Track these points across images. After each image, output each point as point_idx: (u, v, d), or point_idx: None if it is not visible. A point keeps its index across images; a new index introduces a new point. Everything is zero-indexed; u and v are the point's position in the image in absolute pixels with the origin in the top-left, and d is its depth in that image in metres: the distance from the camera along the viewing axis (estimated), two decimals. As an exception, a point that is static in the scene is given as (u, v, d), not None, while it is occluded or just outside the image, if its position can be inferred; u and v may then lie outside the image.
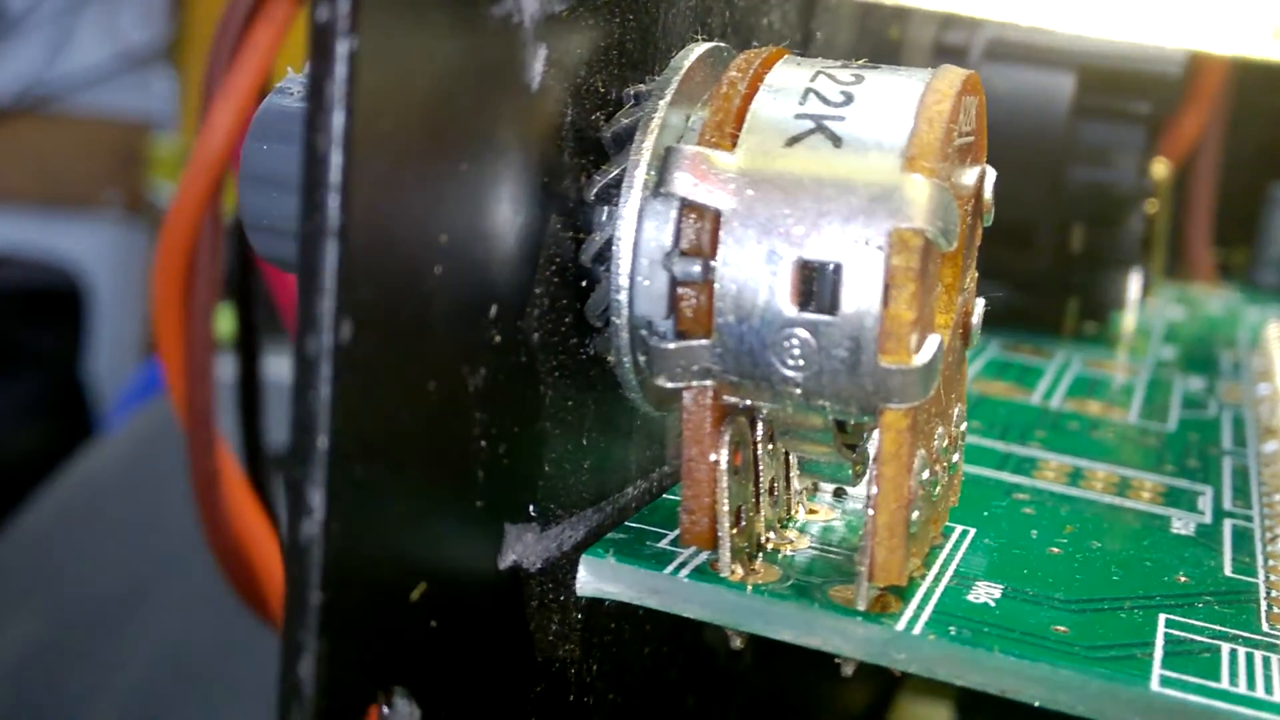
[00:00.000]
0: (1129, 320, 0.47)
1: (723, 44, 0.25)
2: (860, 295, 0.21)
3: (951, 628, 0.22)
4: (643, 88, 0.24)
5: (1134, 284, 0.46)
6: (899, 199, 0.21)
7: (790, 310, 0.21)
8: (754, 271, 0.21)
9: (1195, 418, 0.38)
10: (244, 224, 0.26)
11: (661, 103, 0.23)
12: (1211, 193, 0.58)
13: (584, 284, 0.24)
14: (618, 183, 0.23)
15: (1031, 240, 0.44)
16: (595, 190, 0.23)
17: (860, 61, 0.24)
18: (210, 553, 0.44)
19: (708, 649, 0.33)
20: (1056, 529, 0.27)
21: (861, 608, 0.22)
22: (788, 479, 0.26)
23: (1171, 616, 0.24)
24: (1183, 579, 0.26)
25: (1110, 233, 0.45)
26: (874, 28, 0.38)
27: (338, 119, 0.17)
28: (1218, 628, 0.24)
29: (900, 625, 0.22)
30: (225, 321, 0.47)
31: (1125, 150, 0.44)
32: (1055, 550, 0.26)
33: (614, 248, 0.23)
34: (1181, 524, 0.29)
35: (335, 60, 0.17)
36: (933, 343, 0.22)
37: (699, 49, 0.24)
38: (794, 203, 0.21)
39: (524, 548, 0.23)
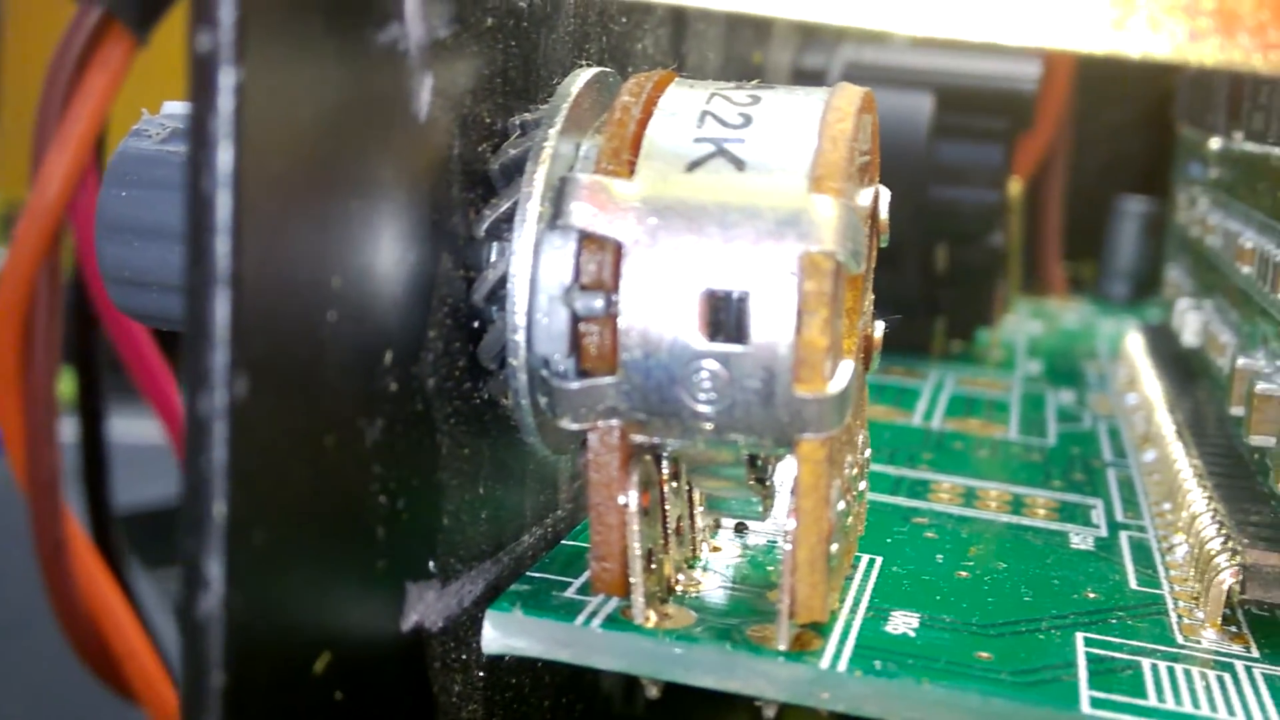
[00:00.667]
0: (994, 337, 0.48)
1: (607, 69, 0.24)
2: (772, 323, 0.20)
3: (876, 662, 0.22)
4: (529, 116, 0.23)
5: (997, 301, 0.47)
6: (808, 222, 0.20)
7: (699, 342, 0.21)
8: (660, 303, 0.21)
9: (1072, 430, 0.38)
10: (103, 277, 0.24)
11: (552, 131, 0.22)
12: (1060, 208, 0.59)
13: (476, 325, 0.23)
14: (508, 217, 0.22)
15: (897, 262, 0.43)
16: (485, 225, 0.22)
17: (753, 82, 0.23)
18: (58, 624, 0.42)
19: (604, 695, 0.32)
20: (961, 552, 0.27)
21: (783, 647, 0.22)
22: (692, 517, 0.25)
23: (1089, 635, 0.24)
24: (1091, 595, 0.25)
25: (973, 250, 0.45)
26: (739, 52, 0.38)
27: (224, 157, 0.16)
28: (1134, 643, 0.23)
29: (824, 663, 0.21)
30: (66, 383, 0.45)
31: (984, 168, 0.44)
32: (963, 574, 0.26)
33: (509, 285, 0.22)
34: (1080, 539, 0.29)
35: (219, 93, 0.16)
36: (846, 369, 0.21)
37: (585, 75, 0.23)
38: (699, 230, 0.21)
39: (425, 606, 0.22)
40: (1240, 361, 0.29)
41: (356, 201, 0.19)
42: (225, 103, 0.16)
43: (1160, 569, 0.27)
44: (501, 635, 0.22)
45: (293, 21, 0.17)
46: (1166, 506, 0.31)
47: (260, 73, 0.16)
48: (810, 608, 0.21)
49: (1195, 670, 0.22)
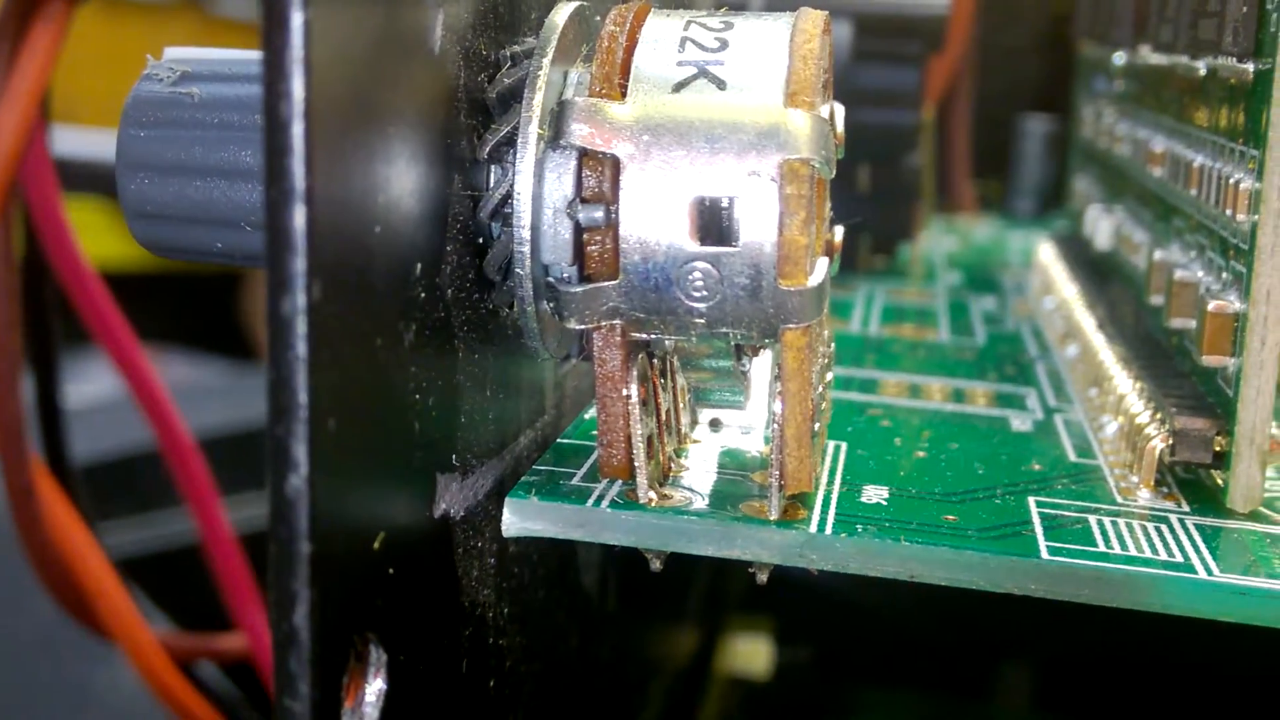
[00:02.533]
0: (915, 252, 0.50)
1: (583, 3, 0.26)
2: (757, 225, 0.23)
3: (858, 526, 0.24)
4: (518, 48, 0.25)
5: (916, 218, 0.49)
6: (785, 133, 0.23)
7: (692, 246, 0.23)
8: (656, 212, 0.23)
9: (998, 332, 0.41)
10: (125, 213, 0.26)
11: (544, 60, 0.24)
12: (968, 128, 0.61)
13: (480, 240, 0.25)
14: (508, 140, 0.24)
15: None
16: (488, 149, 0.24)
17: (721, 10, 0.25)
18: (32, 567, 0.43)
19: (585, 593, 0.34)
20: (915, 436, 0.30)
21: (775, 517, 0.24)
22: (678, 411, 0.27)
23: (1039, 498, 0.26)
24: (1037, 466, 0.28)
25: (893, 170, 0.48)
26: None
27: (297, 86, 0.18)
28: (1080, 503, 0.26)
29: (812, 528, 0.24)
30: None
31: (901, 90, 0.46)
32: (921, 454, 0.29)
33: (514, 201, 0.24)
34: (1020, 422, 0.31)
35: (291, 30, 0.18)
36: (822, 265, 0.23)
37: (567, 8, 0.25)
38: (688, 144, 0.23)
39: (450, 496, 0.24)
40: (1157, 255, 0.32)
41: (392, 128, 0.21)
42: (296, 38, 0.18)
43: (1094, 444, 0.30)
44: (520, 519, 0.25)
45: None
46: (1093, 393, 0.34)
47: (321, 11, 0.18)
48: (798, 479, 0.24)
49: (1136, 523, 0.25)
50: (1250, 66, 0.26)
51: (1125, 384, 0.31)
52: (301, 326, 0.18)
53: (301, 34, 0.18)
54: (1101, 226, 0.42)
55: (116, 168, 0.26)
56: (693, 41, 0.24)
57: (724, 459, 0.27)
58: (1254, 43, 0.26)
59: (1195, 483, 0.28)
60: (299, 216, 0.18)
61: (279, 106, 0.18)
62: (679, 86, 0.23)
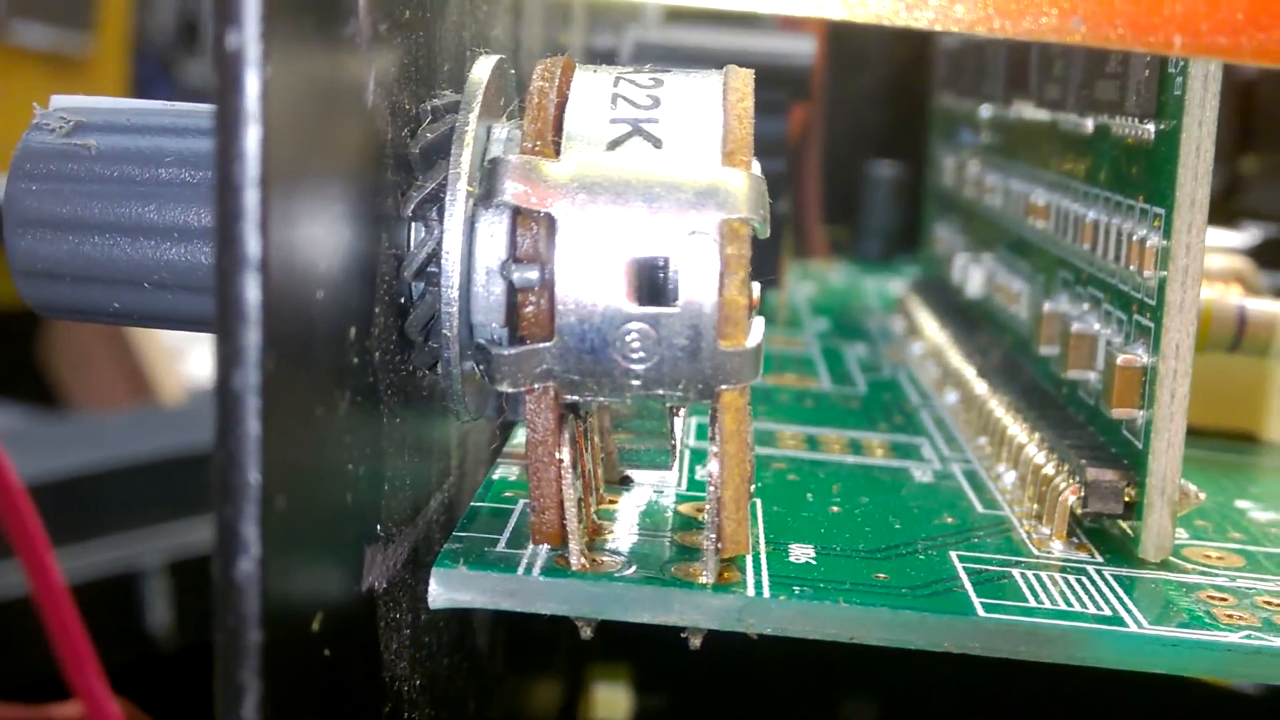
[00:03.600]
0: (780, 299, 0.51)
1: (504, 57, 0.26)
2: (697, 285, 0.22)
3: (795, 588, 0.24)
4: (437, 102, 0.24)
5: (781, 265, 0.50)
6: (724, 193, 0.22)
7: (630, 306, 0.22)
8: (593, 273, 0.22)
9: (876, 379, 0.41)
10: (14, 272, 0.25)
11: (471, 115, 0.24)
12: (819, 174, 0.62)
13: (402, 301, 0.24)
14: (433, 198, 0.23)
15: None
16: (412, 206, 0.23)
17: (647, 66, 0.25)
18: None
19: (479, 655, 0.34)
20: (825, 490, 0.30)
21: (711, 580, 0.24)
22: (598, 472, 0.27)
23: (960, 552, 0.26)
24: (949, 519, 0.28)
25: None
26: (552, 35, 0.39)
27: (252, 149, 0.17)
28: (999, 556, 0.26)
29: (749, 592, 0.24)
30: None
31: (770, 138, 0.47)
32: (835, 509, 0.29)
33: (442, 261, 0.23)
34: (920, 473, 0.32)
35: (245, 91, 0.17)
36: (759, 324, 0.23)
37: (488, 63, 0.25)
38: (625, 203, 0.22)
39: (375, 568, 0.23)
40: (1047, 307, 0.33)
41: (332, 188, 0.20)
42: (252, 100, 0.17)
43: (996, 495, 0.30)
44: (447, 590, 0.24)
45: (296, 19, 0.18)
46: (982, 441, 0.34)
47: (277, 70, 0.17)
48: (736, 542, 0.23)
49: (1057, 575, 0.26)
50: (1151, 127, 0.27)
51: (1021, 434, 0.31)
52: (254, 402, 0.17)
53: (259, 94, 0.17)
54: (972, 274, 0.43)
55: (4, 223, 0.24)
56: (624, 99, 0.24)
57: (643, 519, 0.27)
58: (1155, 104, 0.27)
59: (1101, 532, 0.28)
60: (253, 286, 0.17)
61: (233, 170, 0.17)
62: (614, 144, 0.23)
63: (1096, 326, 0.30)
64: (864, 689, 0.59)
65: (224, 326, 0.17)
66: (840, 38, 0.62)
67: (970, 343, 0.39)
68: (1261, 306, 0.33)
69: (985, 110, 0.43)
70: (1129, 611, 0.24)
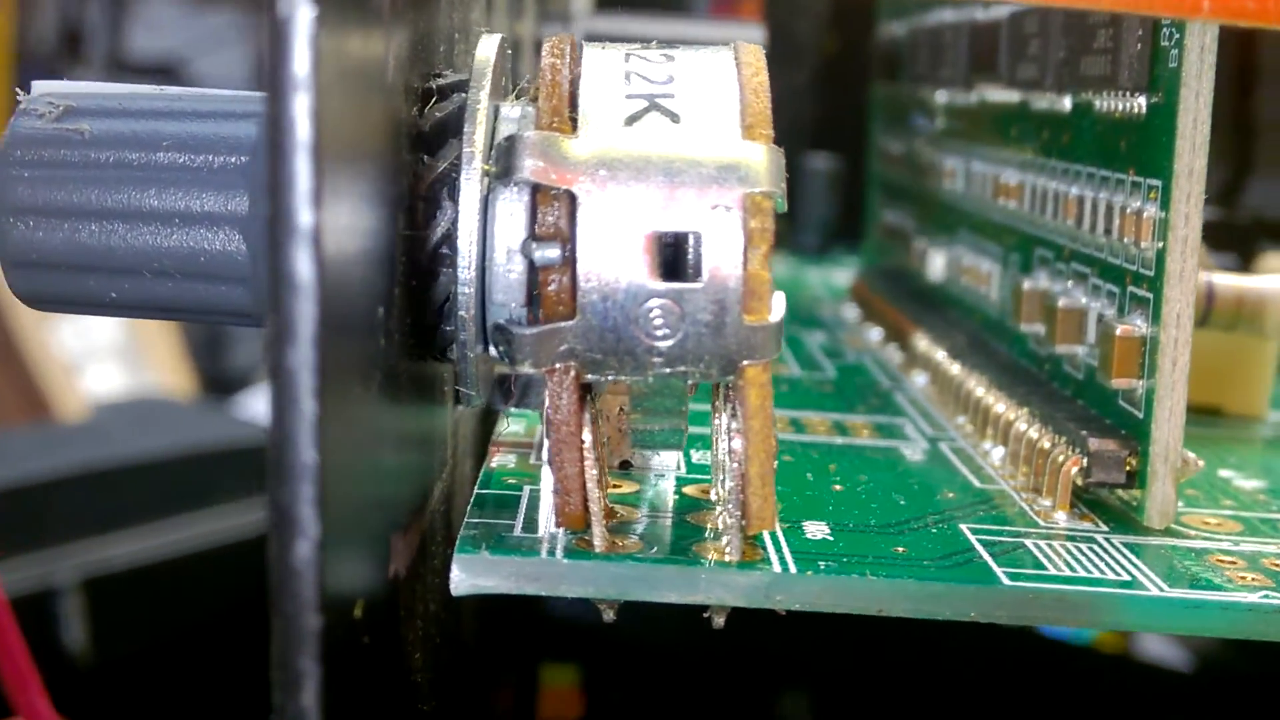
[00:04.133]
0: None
1: (505, 37, 0.25)
2: (721, 260, 0.22)
3: (819, 563, 0.24)
4: (443, 81, 0.24)
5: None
6: (746, 166, 0.22)
7: (654, 282, 0.22)
8: (615, 249, 0.22)
9: (843, 364, 0.41)
10: (5, 262, 0.24)
11: (482, 93, 0.23)
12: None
13: (413, 284, 0.23)
14: (445, 177, 0.23)
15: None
16: (427, 186, 0.23)
17: (653, 43, 0.25)
18: None
19: (464, 646, 0.33)
20: (823, 470, 0.30)
21: (737, 558, 0.24)
22: (604, 456, 0.26)
23: (970, 525, 0.26)
24: (950, 494, 0.28)
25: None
26: (511, 25, 0.39)
27: (305, 118, 0.16)
28: (1008, 528, 0.27)
29: (776, 568, 0.24)
30: None
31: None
32: (839, 488, 0.28)
33: (458, 240, 0.23)
34: (911, 451, 0.32)
35: (296, 58, 0.16)
36: (780, 299, 0.23)
37: (492, 41, 0.24)
38: (646, 179, 0.22)
39: (397, 556, 0.23)
40: (1026, 285, 0.33)
41: (364, 163, 0.19)
42: (304, 64, 0.16)
43: (989, 470, 0.30)
44: (470, 576, 0.23)
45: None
46: (961, 420, 0.34)
47: (324, 38, 0.17)
48: (763, 518, 0.23)
49: (1070, 544, 0.26)
50: (1143, 100, 0.27)
51: (1008, 410, 0.31)
52: (310, 380, 0.17)
53: (310, 61, 0.16)
54: (933, 259, 0.43)
55: (-3, 213, 0.24)
56: (638, 75, 0.23)
57: (648, 503, 0.27)
58: (1148, 78, 0.27)
59: (1099, 503, 0.28)
60: (306, 259, 0.17)
61: (283, 143, 0.16)
62: (631, 120, 0.23)
63: (1084, 300, 0.30)
64: (800, 685, 0.59)
65: (277, 301, 0.17)
66: (771, 31, 0.62)
67: (935, 326, 0.40)
68: (1229, 281, 0.34)
69: (942, 95, 0.43)
70: (1147, 576, 0.24)
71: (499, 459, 0.29)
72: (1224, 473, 0.31)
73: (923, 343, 0.39)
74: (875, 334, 0.45)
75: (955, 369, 0.36)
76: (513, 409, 0.29)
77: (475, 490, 0.27)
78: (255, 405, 1.07)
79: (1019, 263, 0.35)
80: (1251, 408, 0.37)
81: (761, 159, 0.22)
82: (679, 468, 0.29)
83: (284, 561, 0.17)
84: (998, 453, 0.31)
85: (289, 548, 0.17)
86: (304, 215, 0.17)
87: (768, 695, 0.60)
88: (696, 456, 0.29)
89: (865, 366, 0.41)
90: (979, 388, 0.34)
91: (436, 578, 0.26)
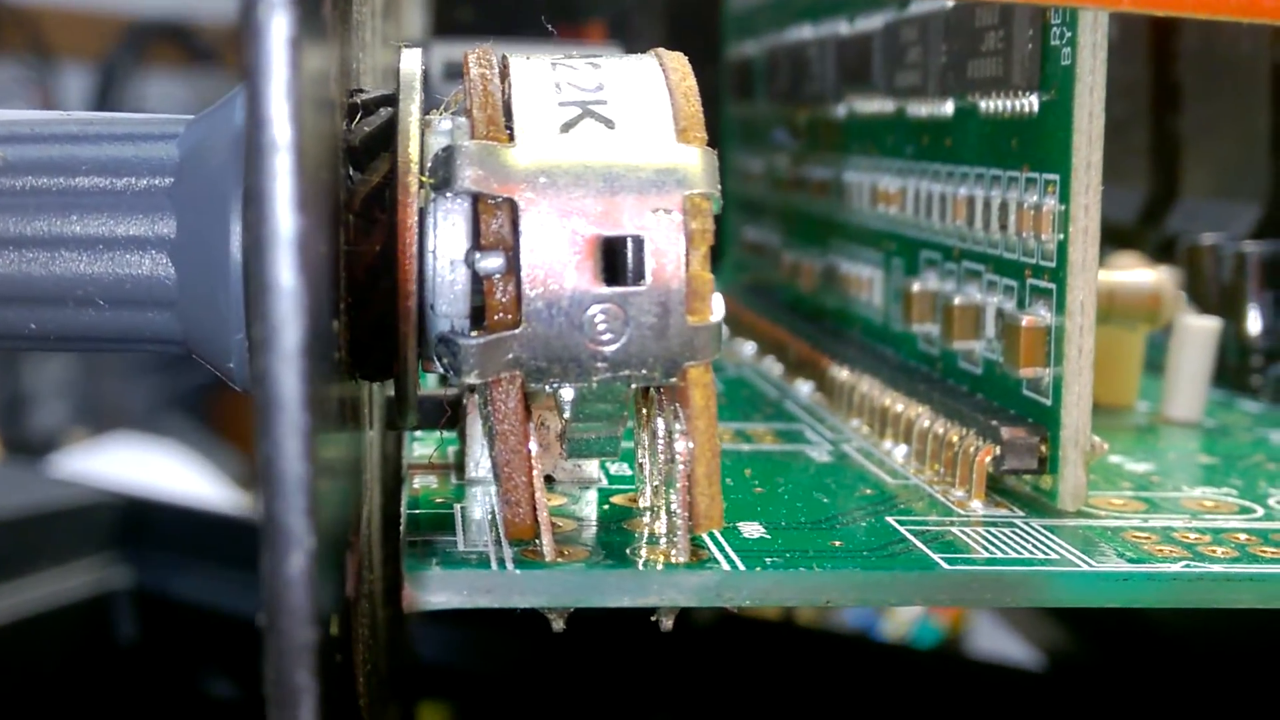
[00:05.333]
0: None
1: (418, 48, 0.25)
2: (664, 262, 0.22)
3: (766, 558, 0.24)
4: (366, 96, 0.24)
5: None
6: (683, 169, 0.23)
7: (597, 287, 0.22)
8: (559, 255, 0.22)
9: (726, 378, 0.42)
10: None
11: (412, 106, 0.23)
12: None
13: (349, 299, 0.23)
14: (377, 193, 0.23)
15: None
16: (360, 201, 0.23)
17: (574, 53, 0.25)
18: None
19: (382, 680, 0.33)
20: (740, 474, 0.30)
21: (685, 559, 0.24)
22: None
23: (895, 517, 0.27)
24: (868, 491, 0.29)
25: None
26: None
27: (285, 120, 0.16)
28: (931, 518, 0.27)
29: (725, 567, 0.24)
30: None
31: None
32: (760, 490, 0.29)
33: (397, 254, 0.22)
34: (817, 454, 0.32)
35: (275, 60, 0.16)
36: (719, 300, 0.23)
37: (415, 55, 0.24)
38: (586, 184, 0.22)
39: (348, 577, 0.22)
40: (915, 287, 0.34)
41: (324, 174, 0.19)
42: (282, 65, 0.16)
43: (896, 467, 0.31)
44: (423, 592, 0.23)
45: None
46: (856, 423, 0.35)
47: (296, 42, 0.17)
48: (710, 517, 0.23)
49: (992, 530, 0.27)
50: (1035, 99, 0.28)
51: (908, 409, 0.32)
52: (299, 388, 0.17)
53: (288, 63, 0.16)
54: (805, 270, 0.44)
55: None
56: (567, 83, 0.23)
57: (579, 513, 0.27)
58: (1040, 76, 0.28)
59: (1009, 491, 0.29)
60: (288, 268, 0.16)
61: (267, 160, 0.16)
62: (567, 127, 0.23)
63: (979, 297, 0.31)
64: (664, 711, 0.60)
65: (264, 309, 0.16)
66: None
67: (814, 335, 0.40)
68: (1127, 278, 0.35)
69: (807, 110, 0.44)
70: (1073, 554, 0.25)
71: (420, 481, 0.29)
72: (1114, 458, 0.33)
73: (802, 351, 0.40)
74: (749, 348, 0.46)
75: (844, 374, 0.36)
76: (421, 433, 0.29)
77: (406, 511, 0.27)
78: (70, 465, 1.03)
79: (903, 266, 0.36)
80: (1123, 398, 0.38)
81: (697, 161, 0.23)
82: (600, 479, 0.29)
83: (279, 573, 0.17)
84: (900, 451, 0.32)
85: (284, 559, 0.17)
86: (290, 220, 0.16)
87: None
88: (614, 468, 0.30)
89: (747, 379, 0.41)
90: (873, 389, 0.34)
91: (367, 602, 0.26)
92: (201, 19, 1.59)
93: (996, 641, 0.71)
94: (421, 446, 0.31)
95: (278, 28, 0.16)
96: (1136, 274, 0.37)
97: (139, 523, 0.63)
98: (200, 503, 0.80)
